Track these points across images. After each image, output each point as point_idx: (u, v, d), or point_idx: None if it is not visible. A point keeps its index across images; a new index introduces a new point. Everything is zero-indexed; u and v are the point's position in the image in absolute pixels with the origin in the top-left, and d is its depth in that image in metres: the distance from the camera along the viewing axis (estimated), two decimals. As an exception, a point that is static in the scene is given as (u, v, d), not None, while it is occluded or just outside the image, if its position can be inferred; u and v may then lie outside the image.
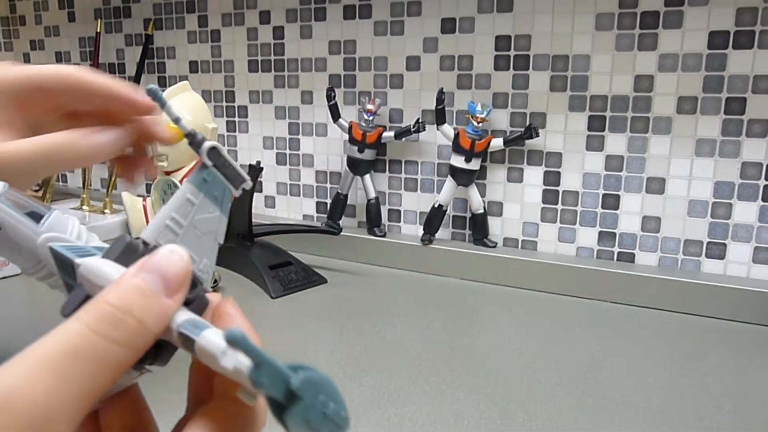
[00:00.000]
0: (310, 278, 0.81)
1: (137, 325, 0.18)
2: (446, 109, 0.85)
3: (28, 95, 0.36)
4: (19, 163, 0.32)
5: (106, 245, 0.23)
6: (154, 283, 0.19)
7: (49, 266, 0.24)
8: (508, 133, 0.83)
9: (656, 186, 0.77)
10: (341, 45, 0.93)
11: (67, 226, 0.25)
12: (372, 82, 0.91)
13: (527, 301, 0.77)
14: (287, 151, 1.01)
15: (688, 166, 0.75)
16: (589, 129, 0.79)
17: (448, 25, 0.85)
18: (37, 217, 0.24)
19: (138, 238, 0.23)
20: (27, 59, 1.29)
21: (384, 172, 0.93)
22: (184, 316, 0.20)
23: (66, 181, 1.32)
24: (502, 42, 0.82)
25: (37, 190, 1.16)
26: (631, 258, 0.80)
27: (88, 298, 0.20)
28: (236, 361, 0.18)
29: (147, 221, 0.96)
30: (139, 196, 0.99)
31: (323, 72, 0.95)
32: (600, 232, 0.81)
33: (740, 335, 0.67)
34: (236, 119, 1.06)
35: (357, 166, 0.90)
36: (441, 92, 0.83)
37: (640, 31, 0.74)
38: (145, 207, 0.97)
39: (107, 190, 1.08)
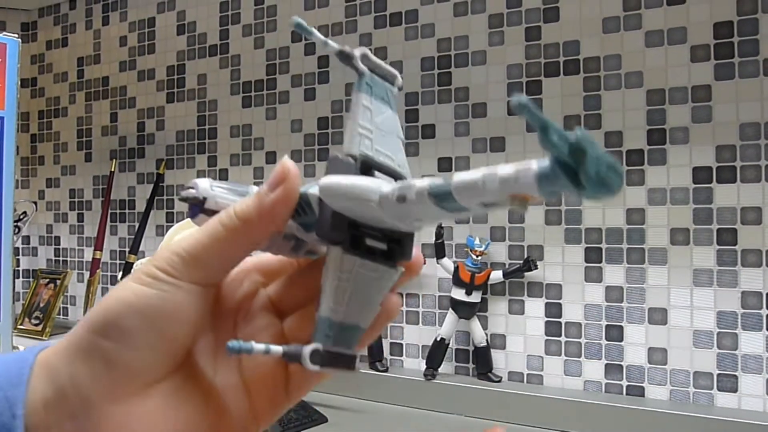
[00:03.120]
0: (310, 417, 0.78)
1: (233, 214, 0.24)
2: (445, 243, 0.87)
3: None
4: None
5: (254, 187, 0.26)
6: (263, 188, 0.24)
7: None
8: (507, 266, 0.84)
9: (658, 316, 0.77)
10: (343, 182, 0.97)
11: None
12: (373, 216, 0.95)
13: (536, 440, 0.73)
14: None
15: (688, 296, 0.75)
16: (586, 260, 0.80)
17: (445, 164, 0.89)
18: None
19: (346, 154, 0.25)
20: (42, 196, 1.34)
21: (385, 304, 0.93)
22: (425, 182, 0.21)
23: (67, 315, 1.31)
24: (496, 178, 0.86)
25: (37, 324, 1.15)
26: (640, 392, 0.78)
27: (335, 214, 0.23)
28: (514, 169, 0.19)
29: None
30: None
31: (326, 207, 0.99)
32: (606, 365, 0.79)
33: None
34: (240, 253, 1.08)
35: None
36: (440, 227, 0.86)
37: (626, 167, 0.78)
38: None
39: (108, 325, 1.07)
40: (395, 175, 0.26)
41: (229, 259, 0.24)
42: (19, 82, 0.76)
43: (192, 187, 0.26)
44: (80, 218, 1.29)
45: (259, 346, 0.22)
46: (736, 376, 0.73)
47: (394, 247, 0.25)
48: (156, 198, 1.15)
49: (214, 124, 1.11)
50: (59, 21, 1.33)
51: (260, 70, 1.06)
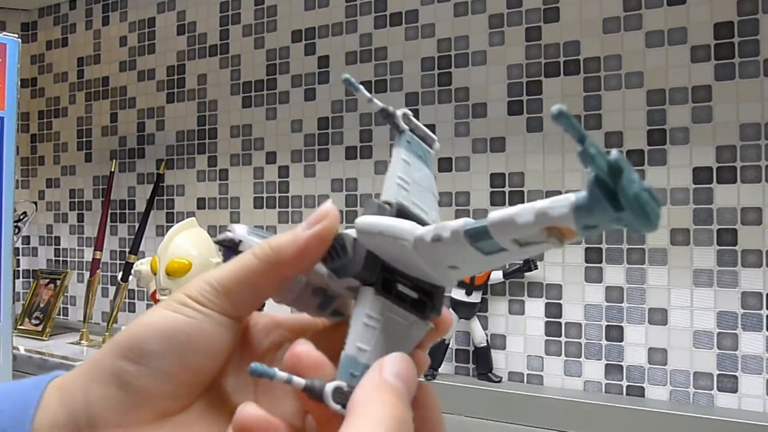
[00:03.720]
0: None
1: (266, 246, 0.24)
2: (445, 242, 0.87)
3: None
4: None
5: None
6: (302, 226, 0.24)
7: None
8: (507, 266, 0.84)
9: (659, 317, 0.77)
10: (343, 183, 0.97)
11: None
12: (373, 216, 0.95)
13: (536, 440, 0.73)
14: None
15: (689, 297, 0.75)
16: (586, 261, 0.80)
17: (445, 164, 0.90)
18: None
19: (383, 201, 0.25)
20: (42, 196, 1.34)
21: (385, 304, 0.94)
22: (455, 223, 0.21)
23: (67, 315, 1.31)
24: (497, 179, 0.86)
25: (37, 324, 1.15)
26: (640, 392, 0.78)
27: (369, 253, 0.23)
28: (551, 200, 0.18)
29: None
30: (139, 331, 0.98)
31: (326, 207, 0.99)
32: (606, 365, 0.79)
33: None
34: (240, 253, 1.08)
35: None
36: (440, 226, 0.86)
37: (627, 168, 0.78)
38: (144, 342, 0.96)
39: (107, 324, 1.08)
40: None
41: (259, 290, 0.24)
42: (19, 82, 0.76)
43: (229, 231, 0.27)
44: (80, 218, 1.29)
45: (282, 374, 0.21)
46: (736, 377, 0.73)
47: (424, 300, 0.25)
48: (156, 198, 1.15)
49: (214, 124, 1.11)
50: (59, 21, 1.33)
51: (260, 70, 1.06)
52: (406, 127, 0.27)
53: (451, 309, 0.84)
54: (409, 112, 0.27)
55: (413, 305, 0.24)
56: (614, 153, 0.17)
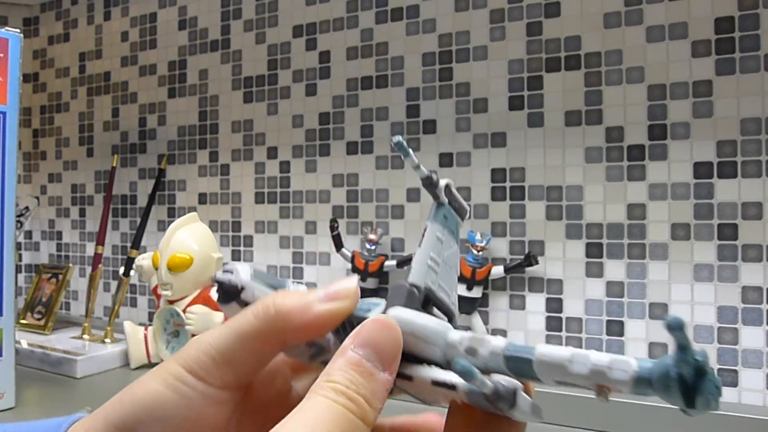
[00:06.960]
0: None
1: (271, 307, 0.21)
2: (446, 237, 0.87)
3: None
4: None
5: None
6: (318, 294, 0.22)
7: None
8: (508, 261, 0.85)
9: (659, 311, 0.77)
10: (344, 178, 0.98)
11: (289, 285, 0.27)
12: (374, 212, 0.95)
13: (537, 434, 0.74)
14: (291, 280, 1.03)
15: (689, 291, 0.76)
16: (587, 256, 0.81)
17: (446, 159, 0.90)
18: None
19: (412, 284, 0.24)
20: (44, 191, 1.35)
21: (386, 299, 0.94)
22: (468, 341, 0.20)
23: (69, 309, 1.32)
24: (497, 174, 0.86)
25: (39, 318, 1.16)
26: (641, 386, 0.78)
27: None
28: (610, 360, 0.17)
29: (147, 352, 0.95)
30: (140, 324, 0.99)
31: (327, 203, 0.99)
32: (607, 360, 0.79)
33: (763, 471, 0.64)
34: (242, 248, 1.08)
35: (360, 295, 0.91)
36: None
37: (628, 162, 0.78)
38: (146, 337, 0.96)
39: (109, 319, 1.08)
40: (449, 314, 0.26)
41: (260, 356, 0.23)
42: (21, 77, 0.76)
43: (230, 271, 0.25)
44: (82, 213, 1.30)
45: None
46: (736, 371, 0.73)
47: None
48: (157, 193, 1.15)
49: (216, 120, 1.11)
50: (61, 16, 1.33)
51: (261, 65, 1.06)
52: (446, 200, 0.26)
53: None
54: (452, 183, 0.26)
55: None
56: (700, 353, 0.17)
